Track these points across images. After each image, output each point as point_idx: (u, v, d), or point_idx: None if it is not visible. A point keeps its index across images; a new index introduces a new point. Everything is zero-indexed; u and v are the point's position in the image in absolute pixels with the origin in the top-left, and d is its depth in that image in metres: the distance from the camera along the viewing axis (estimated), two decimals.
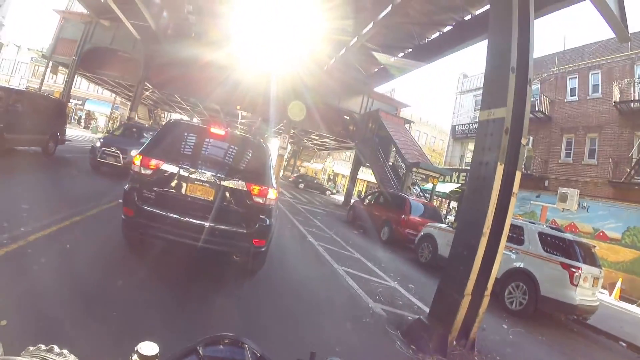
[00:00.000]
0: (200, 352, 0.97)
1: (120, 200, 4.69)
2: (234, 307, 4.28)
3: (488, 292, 4.59)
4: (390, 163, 24.05)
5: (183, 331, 3.33)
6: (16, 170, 9.16)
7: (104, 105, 42.75)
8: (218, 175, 4.54)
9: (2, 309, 3.03)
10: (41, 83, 26.36)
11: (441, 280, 4.83)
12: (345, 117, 27.04)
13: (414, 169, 19.85)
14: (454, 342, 4.41)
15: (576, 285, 6.88)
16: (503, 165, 4.52)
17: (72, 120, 40.12)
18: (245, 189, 4.56)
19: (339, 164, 48.59)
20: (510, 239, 7.32)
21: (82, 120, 43.52)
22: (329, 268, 7.10)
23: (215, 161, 4.94)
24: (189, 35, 21.98)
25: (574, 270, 6.96)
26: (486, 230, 4.38)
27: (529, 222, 8.70)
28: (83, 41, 23.40)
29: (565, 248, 7.44)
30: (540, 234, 7.80)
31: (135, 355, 0.80)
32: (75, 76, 25.35)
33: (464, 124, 26.83)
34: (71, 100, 27.59)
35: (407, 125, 26.10)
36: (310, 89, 22.11)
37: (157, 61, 22.31)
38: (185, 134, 5.15)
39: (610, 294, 13.51)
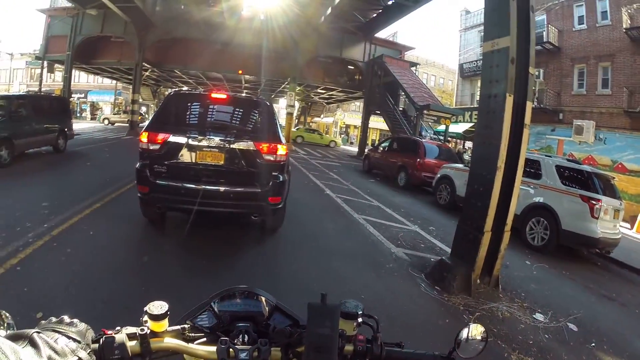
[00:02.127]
0: (215, 307, 0.98)
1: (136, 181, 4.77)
2: (257, 264, 4.39)
3: (508, 227, 4.57)
4: (401, 108, 23.66)
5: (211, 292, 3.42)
6: (31, 172, 9.30)
7: (106, 93, 42.59)
8: (226, 139, 4.56)
9: (36, 303, 3.13)
10: (40, 84, 26.33)
11: (460, 219, 4.80)
12: (349, 67, 26.37)
13: (425, 112, 19.57)
14: (478, 281, 4.44)
15: (597, 218, 6.78)
16: (512, 96, 4.38)
17: (78, 115, 40.15)
18: (254, 148, 4.59)
19: (350, 115, 47.34)
20: (527, 174, 7.19)
21: (88, 113, 43.62)
22: (349, 218, 7.16)
23: (221, 126, 4.93)
24: (179, 8, 21.49)
25: (594, 202, 6.84)
26: (501, 164, 4.31)
27: (546, 155, 8.53)
28: (74, 34, 23.11)
29: (583, 180, 7.30)
30: (558, 167, 7.65)
31: (146, 315, 0.81)
32: (73, 70, 25.32)
33: (471, 62, 26.02)
34: (73, 95, 27.48)
35: (413, 68, 25.41)
36: (310, 42, 21.54)
37: (152, 39, 22.02)
38: (188, 103, 5.11)
39: (631, 227, 13.31)
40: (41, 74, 26.39)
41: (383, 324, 0.91)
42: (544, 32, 18.75)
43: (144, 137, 4.53)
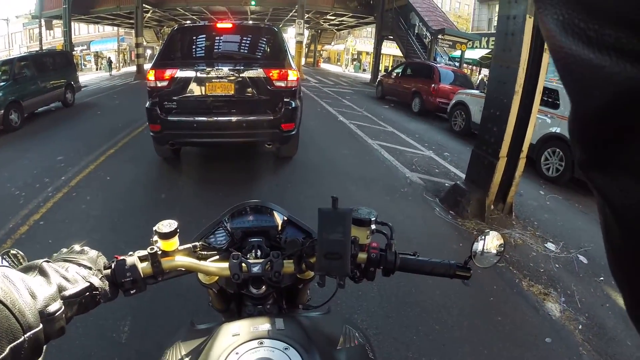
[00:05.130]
0: (228, 225, 0.96)
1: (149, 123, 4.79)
2: (273, 192, 4.50)
3: (524, 154, 4.49)
4: (415, 33, 22.66)
5: None
6: (43, 130, 9.36)
7: (109, 41, 41.83)
8: (235, 68, 4.52)
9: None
10: (40, 43, 25.46)
11: (476, 144, 4.74)
12: None
13: (440, 37, 18.92)
14: (492, 206, 4.44)
15: None
16: (532, 18, 4.14)
17: (83, 67, 39.62)
18: (264, 75, 4.53)
19: (361, 41, 45.62)
20: (545, 103, 6.94)
21: (92, 63, 43.07)
22: (363, 144, 7.13)
23: (229, 55, 4.90)
24: None
25: None
26: (518, 88, 4.16)
27: None
28: None
29: None
30: None
31: (156, 235, 0.80)
32: (72, 24, 24.57)
33: None
34: (75, 48, 26.91)
35: None
36: None
37: None
38: (193, 37, 5.05)
39: None
40: (40, 32, 25.68)
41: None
42: None
43: (151, 75, 4.51)
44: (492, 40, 22.53)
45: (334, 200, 0.80)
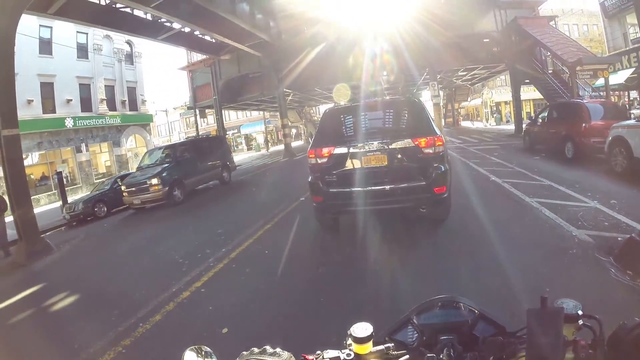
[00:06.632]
0: (415, 321, 0.95)
1: (302, 198, 5.39)
2: (433, 263, 4.40)
3: None
4: (550, 70, 20.80)
5: (393, 302, 3.42)
6: (203, 205, 10.77)
7: (257, 124, 47.90)
8: (384, 141, 4.95)
9: (221, 320, 3.58)
10: (196, 129, 30.46)
11: None
12: (484, 40, 24.15)
13: (578, 68, 17.00)
14: None
15: None
16: None
17: (235, 148, 45.93)
18: (413, 144, 4.87)
19: (497, 91, 43.76)
20: None
21: (243, 145, 50.23)
22: (521, 203, 6.65)
23: (377, 129, 5.37)
24: (302, 30, 22.60)
25: None
26: None
27: None
28: (215, 81, 26.80)
29: None
30: None
31: (350, 338, 0.81)
32: (222, 111, 28.91)
33: None
34: (227, 132, 31.36)
35: (552, 23, 22.02)
36: (440, 24, 20.38)
37: (286, 66, 23.68)
38: (342, 117, 5.64)
39: None
40: (195, 120, 30.33)
41: None
42: None
43: (311, 154, 5.19)
44: (633, 57, 20.09)
45: (543, 300, 0.76)
